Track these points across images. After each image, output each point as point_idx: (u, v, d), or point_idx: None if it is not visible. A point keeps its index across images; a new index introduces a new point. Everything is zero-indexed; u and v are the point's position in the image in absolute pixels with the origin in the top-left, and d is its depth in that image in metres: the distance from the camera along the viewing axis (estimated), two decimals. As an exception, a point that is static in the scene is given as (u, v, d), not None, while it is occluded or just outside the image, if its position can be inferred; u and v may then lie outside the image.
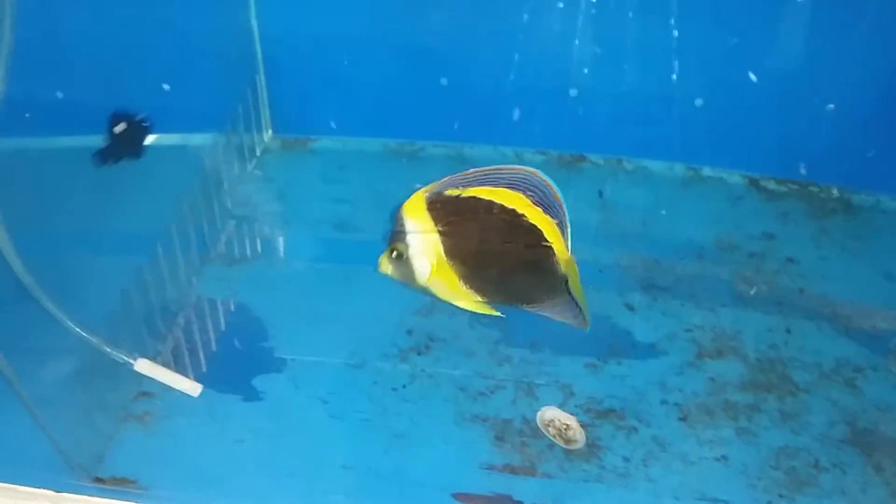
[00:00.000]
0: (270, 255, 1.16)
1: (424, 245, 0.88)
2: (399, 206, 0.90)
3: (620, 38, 1.26)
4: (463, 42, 1.31)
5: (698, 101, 1.28)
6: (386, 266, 0.90)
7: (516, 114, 1.35)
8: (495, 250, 0.90)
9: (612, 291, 1.11)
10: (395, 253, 0.89)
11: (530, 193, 0.87)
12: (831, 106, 1.24)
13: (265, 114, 1.36)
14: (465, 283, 0.91)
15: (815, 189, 1.29)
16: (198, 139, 1.28)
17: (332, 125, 1.38)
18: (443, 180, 0.89)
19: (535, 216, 0.87)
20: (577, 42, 1.27)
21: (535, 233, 0.88)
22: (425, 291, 0.92)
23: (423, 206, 0.88)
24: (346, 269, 1.13)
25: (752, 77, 1.25)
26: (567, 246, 0.90)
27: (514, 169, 0.87)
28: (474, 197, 0.87)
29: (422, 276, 0.90)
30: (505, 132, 1.38)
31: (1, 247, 0.81)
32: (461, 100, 1.35)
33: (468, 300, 0.93)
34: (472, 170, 0.88)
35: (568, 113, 1.34)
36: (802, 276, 1.13)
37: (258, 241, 1.18)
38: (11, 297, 0.85)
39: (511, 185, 0.87)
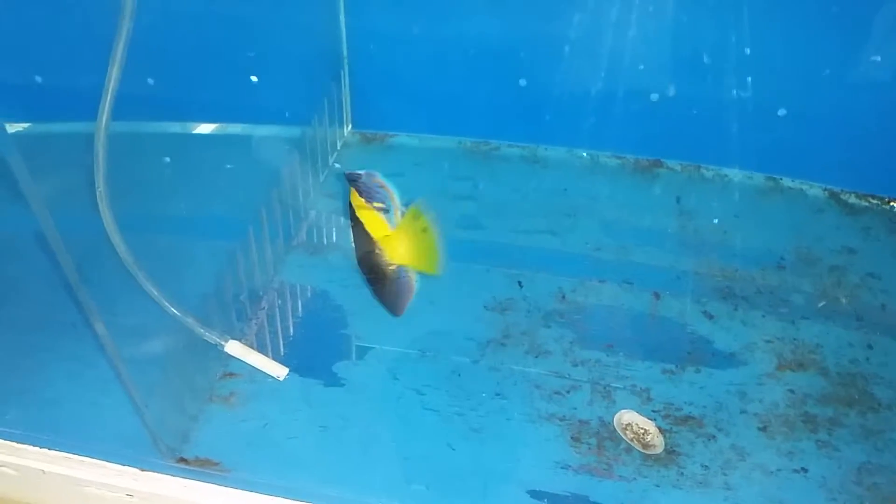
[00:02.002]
0: (348, 247, 1.18)
1: None
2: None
3: (702, 44, 1.25)
4: (542, 43, 1.31)
5: (781, 111, 1.27)
6: None
7: (593, 116, 1.36)
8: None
9: (689, 298, 1.10)
10: None
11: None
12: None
13: (346, 109, 1.39)
14: None
15: (897, 204, 1.27)
16: (285, 130, 1.32)
17: (410, 122, 1.40)
18: None
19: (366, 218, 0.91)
20: (657, 47, 1.27)
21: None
22: None
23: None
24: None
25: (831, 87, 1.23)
26: (394, 218, 0.92)
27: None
28: None
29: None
30: (581, 135, 1.38)
31: (107, 228, 0.84)
32: (538, 101, 1.36)
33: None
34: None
35: (646, 117, 1.34)
36: (884, 292, 1.11)
37: (335, 233, 1.20)
38: (114, 277, 0.89)
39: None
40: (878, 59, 1.21)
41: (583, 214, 1.25)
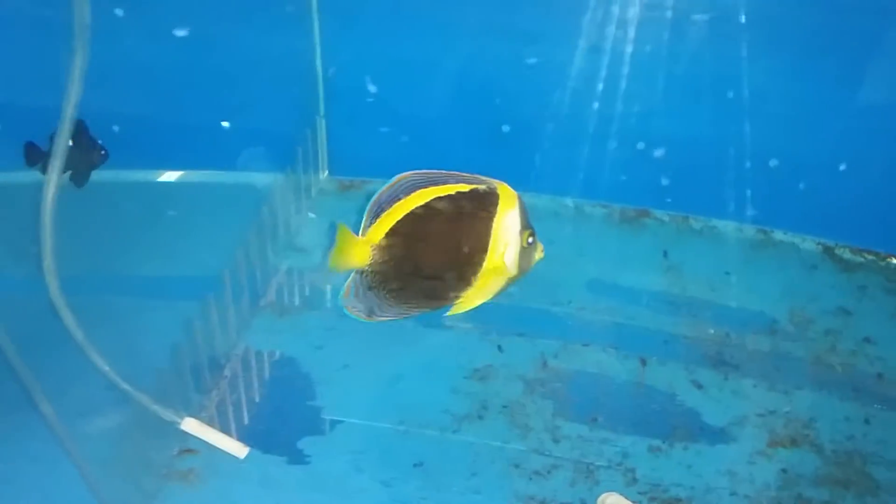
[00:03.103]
0: (321, 306, 1.12)
1: None
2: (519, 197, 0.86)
3: (691, 93, 1.21)
4: (526, 91, 1.27)
5: (773, 162, 1.22)
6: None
7: (579, 164, 1.31)
8: None
9: (678, 365, 1.05)
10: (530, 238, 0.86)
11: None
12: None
13: (323, 154, 1.33)
14: None
15: (893, 261, 1.22)
16: (256, 178, 1.27)
17: (389, 168, 1.34)
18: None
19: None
20: (646, 95, 1.23)
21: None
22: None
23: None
24: (400, 324, 1.09)
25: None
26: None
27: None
28: None
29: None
30: (566, 183, 1.33)
31: (52, 297, 0.78)
32: (522, 147, 1.31)
33: None
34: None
35: (633, 165, 1.29)
36: (881, 360, 1.06)
37: (309, 290, 1.14)
38: (61, 347, 0.83)
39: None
40: (873, 109, 1.18)
41: (568, 270, 1.19)
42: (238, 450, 0.90)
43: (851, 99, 1.18)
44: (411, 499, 0.88)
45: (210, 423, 0.93)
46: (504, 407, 0.98)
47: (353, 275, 0.87)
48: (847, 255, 1.23)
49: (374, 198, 0.85)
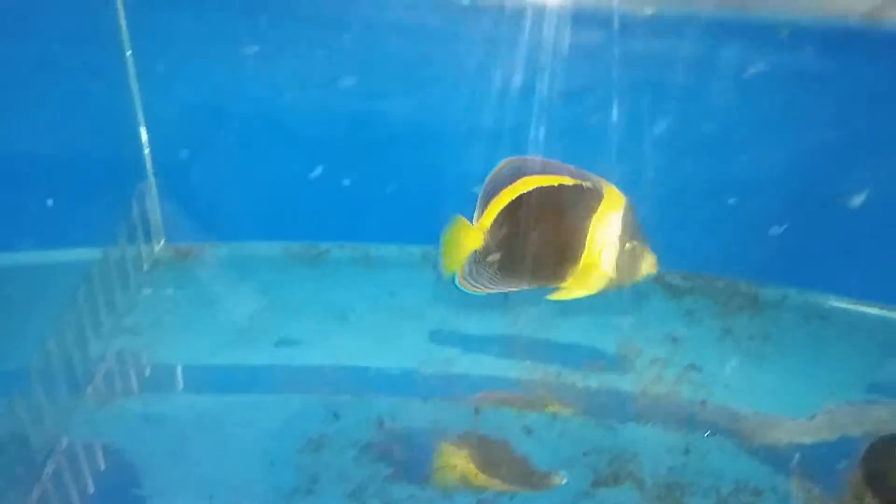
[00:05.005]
0: (150, 389, 1.10)
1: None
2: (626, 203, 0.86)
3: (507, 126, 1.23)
4: (364, 141, 1.28)
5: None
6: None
7: (421, 211, 1.32)
8: None
9: (509, 410, 1.07)
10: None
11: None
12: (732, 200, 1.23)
13: (157, 222, 1.31)
14: None
15: (721, 284, 1.28)
16: (79, 255, 1.22)
17: (230, 230, 1.33)
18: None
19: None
20: (479, 135, 1.25)
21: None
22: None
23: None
24: (233, 401, 1.08)
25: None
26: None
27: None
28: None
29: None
30: (410, 231, 1.35)
31: None
32: (365, 199, 1.32)
33: None
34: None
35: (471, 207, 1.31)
36: (705, 386, 1.11)
37: (134, 375, 1.12)
38: None
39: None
40: (675, 140, 1.21)
41: (409, 322, 1.21)
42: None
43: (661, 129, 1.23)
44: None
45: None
46: (337, 477, 0.98)
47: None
48: (677, 280, 1.28)
49: (485, 183, 0.86)
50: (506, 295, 1.24)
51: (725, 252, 1.28)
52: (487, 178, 0.87)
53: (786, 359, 1.15)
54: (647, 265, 0.87)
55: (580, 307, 1.23)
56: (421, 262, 1.33)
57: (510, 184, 0.86)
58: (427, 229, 1.32)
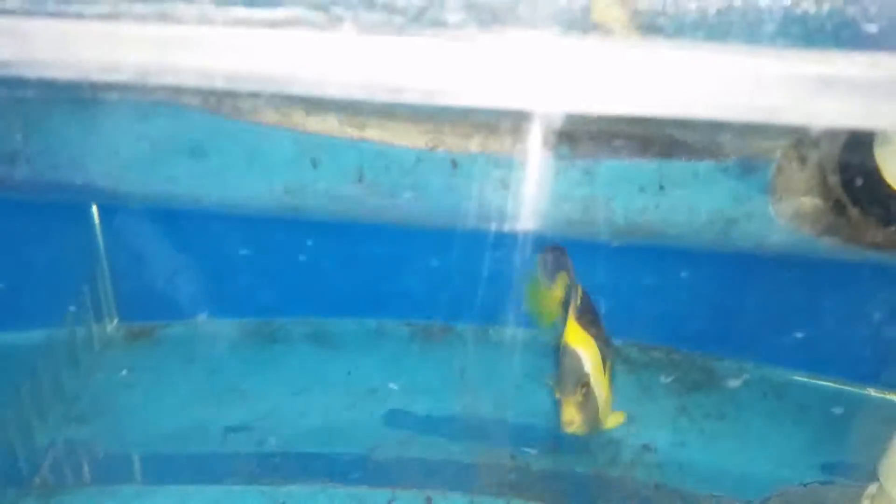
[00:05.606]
0: (100, 480, 1.08)
1: (594, 368, 0.82)
2: (563, 345, 0.83)
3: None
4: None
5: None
6: (575, 415, 0.81)
7: (378, 285, 1.32)
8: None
9: (464, 498, 1.06)
10: (584, 391, 0.80)
11: None
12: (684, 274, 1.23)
13: (109, 301, 1.29)
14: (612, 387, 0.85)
15: (677, 357, 1.27)
16: (22, 338, 1.20)
17: (185, 308, 1.32)
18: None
19: None
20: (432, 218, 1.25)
21: None
22: (594, 430, 0.84)
23: (579, 328, 0.83)
24: (184, 492, 1.06)
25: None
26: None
27: None
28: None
29: (604, 402, 0.83)
30: (367, 304, 1.34)
31: None
32: (320, 274, 1.31)
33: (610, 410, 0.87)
34: None
35: (430, 281, 1.31)
36: (658, 468, 1.10)
37: (86, 466, 1.10)
38: None
39: None
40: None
41: (363, 406, 1.19)
42: None
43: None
44: None
45: None
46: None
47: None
48: (635, 353, 1.28)
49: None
50: (462, 371, 1.26)
51: (681, 324, 1.28)
52: None
53: (741, 438, 1.14)
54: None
55: (534, 386, 1.23)
56: (377, 336, 1.32)
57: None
58: (382, 303, 1.34)
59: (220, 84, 0.43)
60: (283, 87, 0.42)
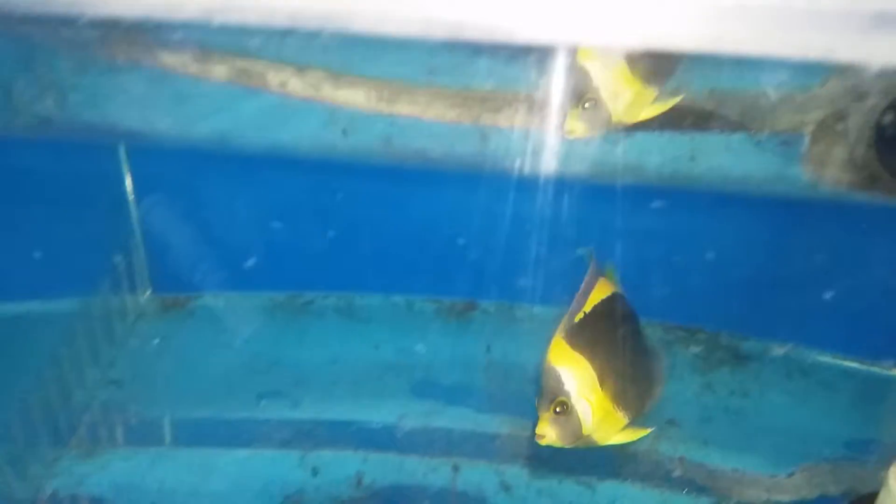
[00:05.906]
0: (134, 441, 1.11)
1: (582, 386, 0.80)
2: (544, 362, 0.82)
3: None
4: (347, 196, 1.30)
5: (581, 251, 1.27)
6: (547, 431, 0.81)
7: (406, 261, 1.34)
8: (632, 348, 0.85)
9: (488, 468, 1.07)
10: (559, 408, 0.79)
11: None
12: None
13: (143, 272, 1.32)
14: (619, 405, 0.82)
15: (702, 336, 1.28)
16: (63, 305, 1.23)
17: (216, 280, 1.34)
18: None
19: None
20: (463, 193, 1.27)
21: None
22: (585, 444, 0.84)
23: (566, 346, 0.81)
24: (215, 454, 1.08)
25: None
26: None
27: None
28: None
29: (587, 420, 0.81)
30: (395, 280, 1.36)
31: None
32: (350, 250, 1.33)
33: (621, 427, 0.85)
34: None
35: (457, 259, 1.32)
36: (683, 442, 1.11)
37: (121, 428, 1.13)
38: None
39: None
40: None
41: (391, 376, 1.21)
42: None
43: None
44: None
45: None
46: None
47: None
48: (658, 333, 1.29)
49: None
50: (488, 347, 1.27)
51: (707, 304, 1.29)
52: None
53: (766, 415, 1.15)
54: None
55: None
56: (405, 312, 1.34)
57: None
58: (410, 279, 1.36)
59: (281, 22, 0.45)
60: (344, 26, 0.44)
